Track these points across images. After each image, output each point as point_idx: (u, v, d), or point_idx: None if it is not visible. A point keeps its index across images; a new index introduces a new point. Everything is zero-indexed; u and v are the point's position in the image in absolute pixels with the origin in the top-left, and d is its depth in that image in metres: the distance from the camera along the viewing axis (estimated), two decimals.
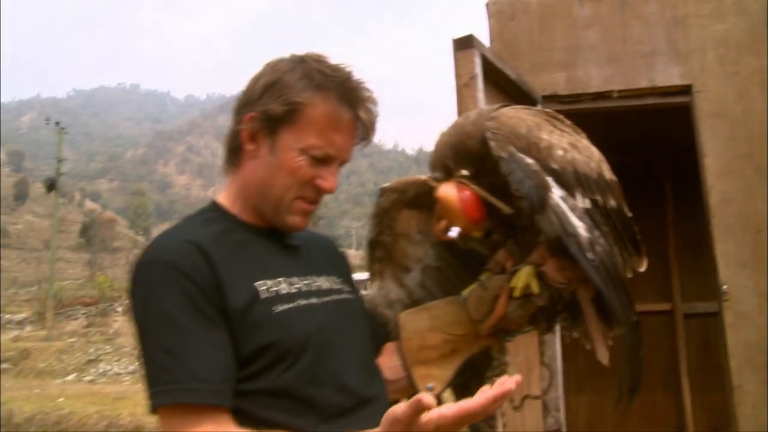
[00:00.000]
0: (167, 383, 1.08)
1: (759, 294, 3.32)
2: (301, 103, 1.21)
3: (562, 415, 3.39)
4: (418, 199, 1.53)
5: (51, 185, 24.93)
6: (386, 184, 1.61)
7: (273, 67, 1.28)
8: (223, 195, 1.34)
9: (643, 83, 3.63)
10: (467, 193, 1.29)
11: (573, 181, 1.27)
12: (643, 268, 1.42)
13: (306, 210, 1.28)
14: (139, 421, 7.82)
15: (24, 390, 10.62)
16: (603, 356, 1.36)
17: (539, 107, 3.53)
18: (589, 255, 1.22)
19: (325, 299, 1.29)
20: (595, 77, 3.66)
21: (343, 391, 1.21)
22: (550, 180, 1.24)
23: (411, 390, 1.36)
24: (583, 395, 6.17)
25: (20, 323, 26.07)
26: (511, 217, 1.33)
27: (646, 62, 3.63)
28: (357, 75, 1.28)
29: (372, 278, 1.58)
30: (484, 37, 3.80)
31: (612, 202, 1.35)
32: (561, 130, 1.35)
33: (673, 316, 6.17)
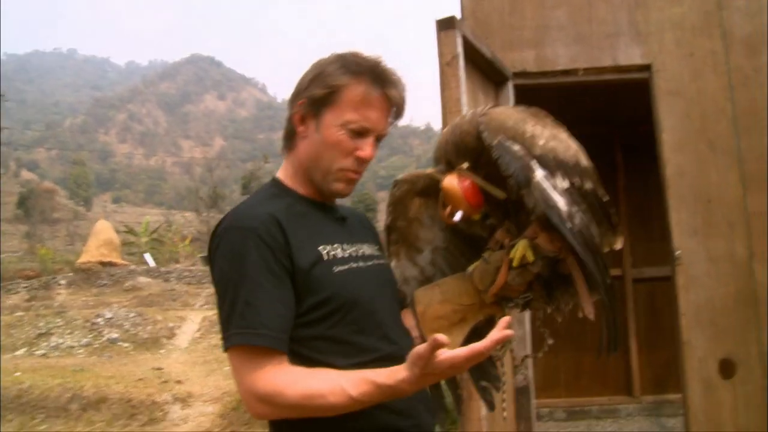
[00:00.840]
0: (241, 327, 1.28)
1: (709, 259, 3.63)
2: (338, 85, 1.42)
3: (530, 372, 3.66)
4: (428, 188, 1.74)
5: None
6: (399, 176, 1.81)
7: (318, 63, 1.49)
8: (282, 173, 1.55)
9: (607, 62, 3.86)
10: (467, 182, 1.52)
11: (553, 165, 1.50)
12: (619, 246, 1.66)
13: (349, 178, 1.48)
14: (103, 391, 7.80)
15: None
16: (589, 312, 1.57)
17: (510, 84, 3.74)
18: (569, 224, 1.43)
19: (369, 263, 1.51)
20: (562, 55, 3.87)
21: (385, 339, 1.45)
22: (533, 163, 1.47)
23: None
24: (539, 357, 6.52)
25: None
26: (505, 203, 1.56)
27: (609, 42, 3.86)
28: (386, 62, 1.49)
29: (389, 258, 1.79)
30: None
31: (588, 185, 1.57)
32: (543, 124, 1.57)
33: (623, 280, 6.54)
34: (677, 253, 3.63)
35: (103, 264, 26.51)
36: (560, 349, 6.40)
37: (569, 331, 6.48)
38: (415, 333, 1.60)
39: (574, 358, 6.48)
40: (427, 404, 1.53)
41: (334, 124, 1.43)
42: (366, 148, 1.46)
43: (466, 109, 2.99)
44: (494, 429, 2.99)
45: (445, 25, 3.02)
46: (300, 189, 1.52)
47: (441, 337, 1.14)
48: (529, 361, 3.65)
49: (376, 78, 1.44)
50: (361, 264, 1.49)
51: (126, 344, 12.93)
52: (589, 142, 5.37)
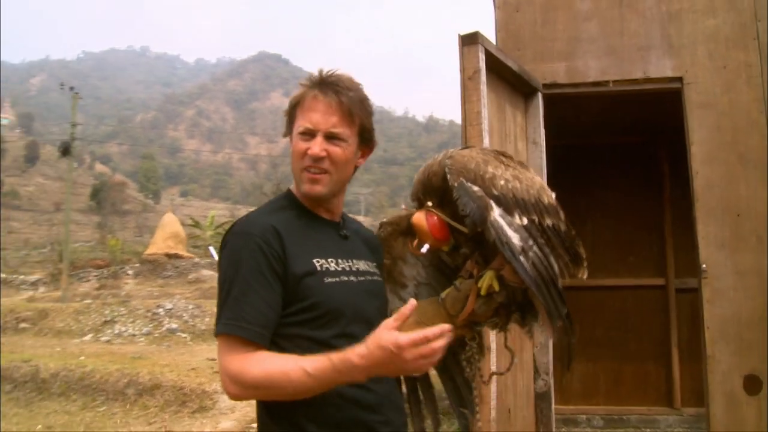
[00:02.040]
0: (227, 319, 1.47)
1: (735, 272, 3.61)
2: (295, 100, 1.64)
3: (551, 378, 3.72)
4: (410, 229, 1.88)
5: (65, 150, 25.18)
6: (384, 219, 1.99)
7: None
8: (293, 185, 1.73)
9: (638, 74, 3.88)
10: (433, 218, 1.68)
11: (512, 204, 1.63)
12: (583, 276, 1.77)
13: (310, 178, 1.61)
14: (157, 379, 8.17)
15: (46, 348, 11.04)
16: (550, 335, 1.69)
17: (539, 95, 3.81)
18: (522, 258, 1.55)
19: (361, 278, 1.67)
20: (593, 68, 3.92)
21: None
22: (491, 203, 1.60)
23: None
24: (578, 364, 6.52)
25: (34, 284, 26.47)
26: (476, 235, 1.67)
27: (641, 55, 3.88)
28: (339, 72, 1.66)
29: None
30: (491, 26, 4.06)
31: (549, 221, 1.69)
32: (506, 165, 1.72)
33: (666, 290, 6.47)
34: (703, 266, 3.63)
35: (169, 256, 27.44)
36: (600, 357, 6.43)
37: (610, 340, 6.47)
38: None
39: (615, 367, 6.45)
40: (398, 405, 1.66)
41: (294, 134, 1.63)
42: (314, 146, 1.58)
43: (487, 123, 3.08)
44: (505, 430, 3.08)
45: (468, 41, 3.12)
46: (304, 201, 1.68)
47: (406, 308, 1.37)
48: (550, 366, 3.72)
49: (320, 86, 1.60)
50: (352, 278, 1.63)
51: (184, 334, 13.45)
52: (633, 152, 5.42)
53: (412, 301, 1.42)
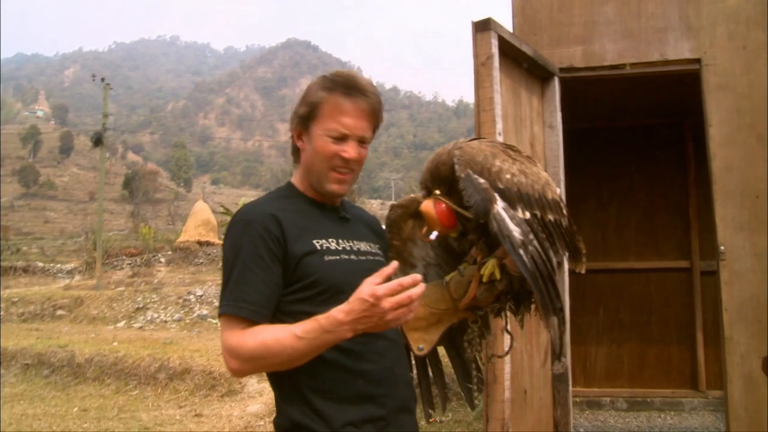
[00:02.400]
0: (229, 300, 1.57)
1: (755, 254, 3.60)
2: (316, 101, 1.68)
3: (568, 360, 3.76)
4: (419, 211, 1.94)
5: (98, 140, 25.57)
6: (394, 202, 2.06)
7: (306, 87, 1.75)
8: (295, 178, 1.81)
9: (655, 57, 3.86)
10: (441, 206, 1.74)
11: (516, 197, 1.69)
12: (581, 270, 1.85)
13: (339, 178, 1.70)
14: (187, 363, 8.37)
15: (81, 335, 11.35)
16: (546, 325, 1.74)
17: (556, 79, 3.81)
18: (521, 251, 1.60)
19: (362, 258, 1.73)
20: (610, 51, 3.90)
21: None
22: (496, 195, 1.65)
23: (405, 343, 1.80)
24: (602, 347, 6.53)
25: (70, 272, 27.05)
26: (482, 223, 1.73)
27: (658, 37, 3.85)
28: (359, 75, 1.75)
29: None
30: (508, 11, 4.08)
31: (550, 217, 1.75)
32: (514, 159, 1.77)
33: (691, 273, 6.43)
34: (721, 248, 3.63)
35: (201, 243, 27.82)
36: (624, 340, 6.43)
37: (635, 323, 6.47)
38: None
39: (639, 349, 6.44)
40: (406, 380, 1.72)
41: (318, 134, 1.67)
42: (349, 149, 1.67)
43: (500, 108, 3.12)
44: (520, 413, 3.14)
45: (481, 27, 3.15)
46: (307, 192, 1.76)
47: (388, 267, 1.44)
48: (567, 348, 3.75)
49: (348, 90, 1.67)
50: (353, 257, 1.70)
51: (214, 320, 13.68)
52: (658, 133, 5.39)
53: (395, 263, 1.48)
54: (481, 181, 1.67)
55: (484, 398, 3.03)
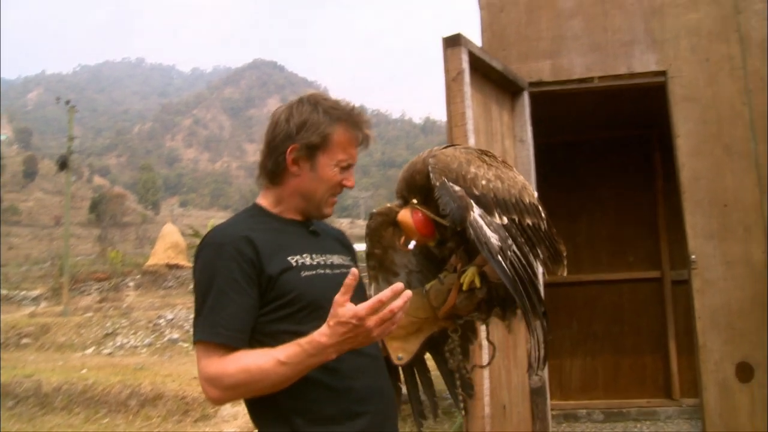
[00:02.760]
0: (205, 326, 1.52)
1: (725, 262, 3.65)
2: (330, 133, 1.69)
3: (545, 374, 3.76)
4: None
5: (63, 164, 25.18)
6: (374, 210, 2.03)
7: (296, 110, 1.73)
8: (263, 200, 1.78)
9: (622, 69, 3.93)
10: (418, 215, 1.73)
11: (492, 203, 1.68)
12: (562, 273, 1.82)
13: (335, 202, 1.77)
14: (159, 389, 8.20)
15: (48, 363, 11.06)
16: (529, 331, 1.72)
17: (525, 93, 3.85)
18: (499, 257, 1.59)
19: (336, 271, 1.72)
20: (578, 65, 3.96)
21: None
22: (472, 202, 1.64)
23: (385, 354, 1.78)
24: (577, 359, 6.57)
25: (35, 299, 26.44)
26: (451, 232, 1.73)
27: (625, 50, 3.92)
28: (354, 104, 1.78)
29: (369, 282, 2.02)
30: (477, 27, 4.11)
31: (528, 221, 1.74)
32: (489, 164, 1.76)
33: (662, 282, 6.51)
34: (693, 257, 3.67)
35: (170, 266, 27.47)
36: (598, 352, 6.47)
37: (608, 334, 6.51)
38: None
39: (613, 360, 6.49)
40: (390, 397, 1.71)
41: (328, 163, 1.69)
42: (351, 178, 1.74)
43: (471, 123, 3.13)
44: (499, 428, 3.12)
45: (451, 43, 3.17)
46: (282, 214, 1.75)
47: (349, 279, 1.41)
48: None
49: (353, 121, 1.72)
50: (328, 271, 1.69)
51: (186, 344, 13.48)
52: (626, 146, 5.47)
53: (354, 271, 1.45)
54: (457, 188, 1.65)
55: (464, 414, 3.01)
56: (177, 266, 27.74)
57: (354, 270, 1.47)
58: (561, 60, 3.97)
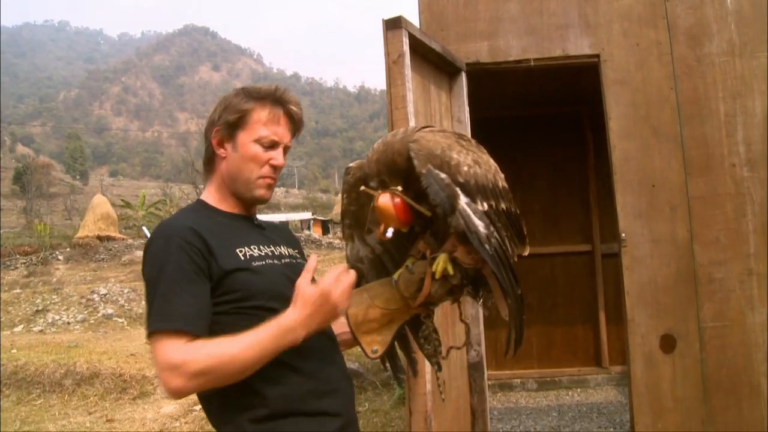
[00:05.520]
0: (158, 316, 1.50)
1: (652, 240, 3.82)
2: (247, 109, 1.72)
3: (483, 348, 3.88)
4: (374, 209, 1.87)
5: None
6: (351, 164, 1.95)
7: (224, 98, 1.78)
8: (206, 195, 1.81)
9: (557, 52, 4.01)
10: (399, 201, 1.68)
11: (475, 190, 1.66)
12: (525, 253, 1.82)
13: (267, 184, 1.75)
14: (95, 367, 8.02)
15: None
16: (504, 313, 1.75)
17: (463, 74, 3.89)
18: (486, 246, 1.60)
19: (284, 261, 1.76)
20: (515, 47, 4.02)
21: None
22: (458, 190, 1.62)
23: (355, 345, 1.80)
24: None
25: None
26: (436, 219, 1.72)
27: (560, 33, 4.00)
28: (279, 85, 1.79)
29: (345, 241, 2.00)
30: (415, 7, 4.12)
31: (503, 205, 1.73)
32: (467, 149, 1.72)
33: (593, 255, 6.76)
34: (623, 235, 3.83)
35: (101, 238, 26.74)
36: (532, 322, 6.68)
37: (542, 306, 6.74)
38: (342, 328, 1.81)
39: (546, 331, 6.73)
40: (350, 379, 1.79)
41: (248, 141, 1.72)
42: (278, 156, 1.75)
43: (412, 106, 3.16)
44: (439, 403, 3.21)
45: (392, 25, 3.17)
46: (222, 206, 1.77)
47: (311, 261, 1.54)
48: (482, 336, 3.87)
49: (276, 100, 1.75)
50: (275, 261, 1.72)
51: (120, 320, 13.21)
52: (558, 122, 5.59)
53: (313, 258, 1.55)
54: (443, 176, 1.62)
55: (406, 392, 3.09)
56: (108, 238, 27.03)
57: (314, 256, 1.56)
58: (498, 42, 4.02)
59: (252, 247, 1.69)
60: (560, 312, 6.76)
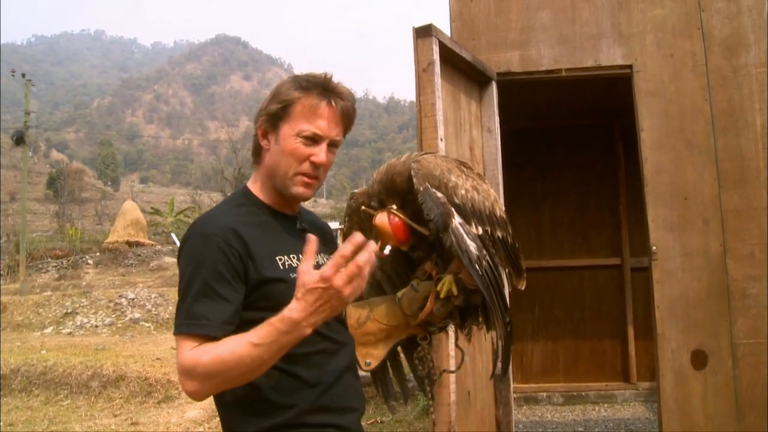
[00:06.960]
0: (186, 318, 1.47)
1: (684, 254, 3.76)
2: (290, 99, 1.61)
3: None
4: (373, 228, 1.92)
5: (20, 138, 24.53)
6: (356, 190, 2.00)
7: (275, 86, 1.69)
8: (252, 183, 1.73)
9: (589, 63, 3.97)
10: (396, 220, 1.73)
11: (470, 213, 1.72)
12: (522, 287, 1.89)
13: (306, 182, 1.64)
14: (122, 370, 8.11)
15: (5, 343, 10.78)
16: (501, 336, 1.76)
17: (493, 84, 3.88)
18: (477, 266, 1.64)
19: None
20: (546, 56, 4.00)
21: (327, 338, 1.63)
22: (452, 210, 1.68)
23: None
24: (538, 343, 6.70)
25: None
26: (432, 238, 1.75)
27: (592, 43, 3.97)
28: (335, 79, 1.68)
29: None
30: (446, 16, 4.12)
31: (499, 233, 1.79)
32: (467, 175, 1.79)
33: (622, 269, 6.66)
34: (653, 248, 3.77)
35: (130, 244, 27.11)
36: (559, 336, 6.61)
37: (569, 319, 6.66)
38: None
39: (573, 345, 6.64)
40: (359, 393, 1.71)
41: (289, 134, 1.61)
42: (320, 153, 1.62)
43: (441, 114, 3.15)
44: (464, 414, 3.18)
45: (422, 33, 3.17)
46: (266, 198, 1.69)
47: (310, 244, 1.36)
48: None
49: (324, 91, 1.62)
50: None
51: (147, 324, 13.36)
52: (589, 134, 5.55)
53: (311, 236, 1.39)
54: (439, 195, 1.68)
55: (431, 402, 3.06)
56: (138, 243, 27.39)
57: (310, 236, 1.40)
58: (530, 51, 4.00)
59: (291, 256, 1.62)
60: (588, 326, 6.67)
